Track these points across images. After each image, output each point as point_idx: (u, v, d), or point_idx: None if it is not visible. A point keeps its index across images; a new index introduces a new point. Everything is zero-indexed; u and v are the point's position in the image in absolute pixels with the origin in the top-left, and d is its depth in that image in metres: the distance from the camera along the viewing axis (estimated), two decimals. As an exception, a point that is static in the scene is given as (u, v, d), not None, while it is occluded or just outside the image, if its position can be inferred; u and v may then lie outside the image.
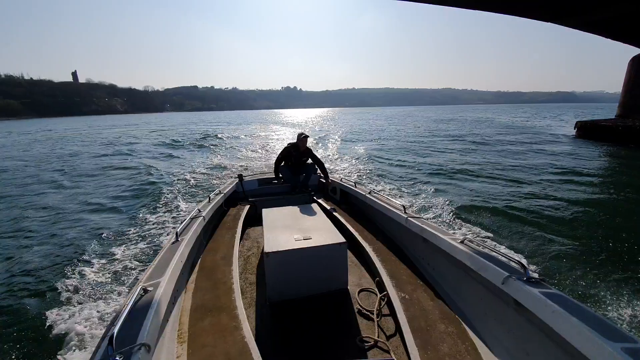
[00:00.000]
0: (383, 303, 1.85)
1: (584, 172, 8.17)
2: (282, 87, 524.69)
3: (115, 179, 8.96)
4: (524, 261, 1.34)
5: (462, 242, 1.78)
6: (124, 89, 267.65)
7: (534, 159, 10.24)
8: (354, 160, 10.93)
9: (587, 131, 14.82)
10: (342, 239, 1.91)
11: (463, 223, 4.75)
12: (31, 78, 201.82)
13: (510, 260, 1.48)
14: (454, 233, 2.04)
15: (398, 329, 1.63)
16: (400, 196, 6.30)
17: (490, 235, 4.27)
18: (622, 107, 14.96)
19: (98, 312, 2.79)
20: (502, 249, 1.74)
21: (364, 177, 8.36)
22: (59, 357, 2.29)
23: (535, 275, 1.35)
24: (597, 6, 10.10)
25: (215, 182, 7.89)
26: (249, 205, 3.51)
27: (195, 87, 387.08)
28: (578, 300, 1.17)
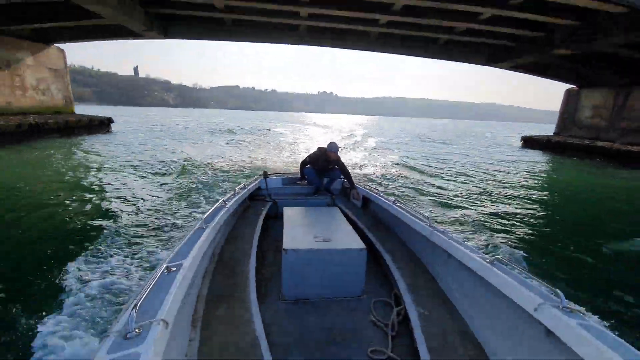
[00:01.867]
0: (400, 317, 1.79)
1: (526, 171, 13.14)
2: (317, 92, 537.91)
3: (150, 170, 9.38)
4: (559, 289, 1.24)
5: (491, 262, 1.63)
6: (175, 85, 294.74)
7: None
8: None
9: (527, 143, 19.54)
10: (362, 245, 1.93)
11: (491, 243, 4.56)
12: (99, 70, 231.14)
13: (545, 286, 1.37)
14: (482, 252, 1.87)
15: (413, 347, 1.55)
16: (426, 209, 6.20)
17: (522, 258, 4.07)
18: (558, 127, 19.35)
19: (122, 285, 2.93)
20: (536, 274, 1.53)
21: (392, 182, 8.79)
22: (83, 323, 2.37)
23: (572, 304, 1.24)
24: (517, 55, 15.11)
25: (241, 177, 8.31)
26: (271, 203, 3.58)
27: (237, 86, 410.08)
28: (618, 335, 1.08)
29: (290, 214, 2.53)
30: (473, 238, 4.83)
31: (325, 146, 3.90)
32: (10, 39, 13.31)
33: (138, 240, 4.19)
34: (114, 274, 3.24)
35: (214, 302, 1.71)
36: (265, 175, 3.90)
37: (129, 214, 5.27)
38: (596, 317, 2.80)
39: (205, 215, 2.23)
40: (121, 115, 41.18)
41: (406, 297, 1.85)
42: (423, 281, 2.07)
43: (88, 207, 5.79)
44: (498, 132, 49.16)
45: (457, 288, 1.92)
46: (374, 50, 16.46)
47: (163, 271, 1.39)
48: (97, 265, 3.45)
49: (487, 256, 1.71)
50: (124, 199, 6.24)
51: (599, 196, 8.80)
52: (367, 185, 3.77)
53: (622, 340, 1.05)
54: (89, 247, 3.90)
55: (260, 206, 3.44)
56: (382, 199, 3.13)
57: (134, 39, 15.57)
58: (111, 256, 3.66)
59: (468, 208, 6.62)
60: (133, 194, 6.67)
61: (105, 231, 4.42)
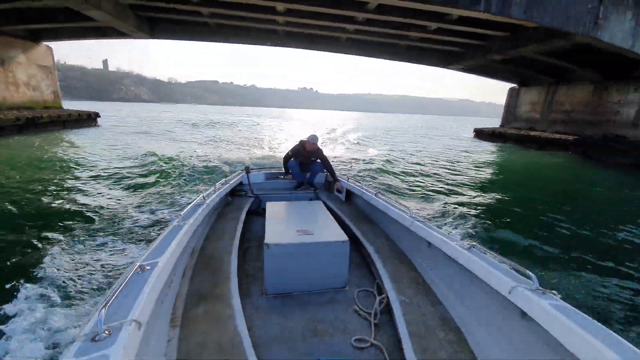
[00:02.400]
0: (382, 305, 1.83)
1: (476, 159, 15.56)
2: (298, 88, 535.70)
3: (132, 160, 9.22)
4: (533, 272, 1.31)
5: (468, 248, 1.71)
6: (149, 79, 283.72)
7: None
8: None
9: (478, 134, 22.56)
10: (344, 237, 1.94)
11: (471, 230, 4.67)
12: (65, 62, 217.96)
13: (518, 270, 1.44)
14: (461, 240, 1.93)
15: (395, 333, 1.61)
16: (407, 200, 6.35)
17: (500, 244, 4.16)
18: (503, 120, 22.49)
19: (93, 289, 2.69)
20: (512, 258, 1.58)
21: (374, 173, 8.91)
22: (49, 330, 2.17)
23: (544, 287, 1.30)
24: (463, 59, 17.67)
25: (222, 172, 8.03)
26: (253, 198, 3.56)
27: (216, 81, 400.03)
28: (589, 315, 1.14)
29: (273, 208, 2.51)
30: (425, 209, 5.70)
31: (306, 139, 3.97)
32: (2, 37, 14.11)
33: (113, 234, 3.98)
34: (84, 270, 3.03)
35: (195, 300, 1.68)
36: (247, 170, 3.87)
37: (107, 206, 5.15)
38: (568, 298, 2.77)
39: (184, 212, 2.20)
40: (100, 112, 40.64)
41: (388, 286, 1.89)
42: (404, 270, 2.11)
43: (71, 194, 5.93)
44: (463, 126, 53.05)
45: (437, 275, 2.00)
46: (344, 53, 18.50)
47: (136, 270, 1.35)
48: (69, 256, 3.29)
49: (465, 243, 1.78)
50: (106, 188, 6.37)
51: (529, 173, 11.41)
52: (350, 178, 3.80)
53: (591, 319, 1.11)
54: (67, 233, 3.89)
55: (242, 202, 3.40)
56: (365, 191, 3.18)
57: (121, 38, 16.65)
58: (84, 248, 3.49)
59: (420, 186, 8.01)
60: (113, 183, 6.79)
61: (81, 220, 4.41)
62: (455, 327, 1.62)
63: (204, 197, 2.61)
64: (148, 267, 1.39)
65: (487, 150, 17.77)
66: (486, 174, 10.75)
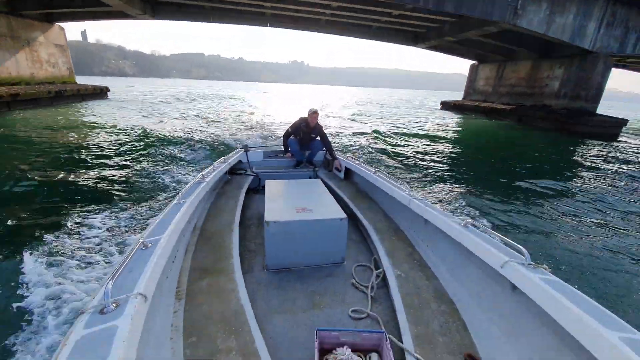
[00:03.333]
0: (378, 279, 1.90)
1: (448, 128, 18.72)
2: (289, 61, 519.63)
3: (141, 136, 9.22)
4: (525, 247, 1.37)
5: (464, 225, 1.78)
6: (131, 52, 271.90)
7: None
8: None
9: (443, 105, 25.92)
10: (343, 215, 1.97)
11: (468, 207, 4.73)
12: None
13: (512, 246, 1.49)
14: (457, 217, 2.01)
15: (391, 305, 1.69)
16: (405, 180, 6.32)
17: (496, 221, 4.26)
18: (464, 93, 25.78)
19: (97, 266, 2.76)
20: (506, 235, 1.58)
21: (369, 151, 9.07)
22: (57, 308, 2.24)
23: (536, 262, 1.35)
24: (427, 39, 20.47)
25: (221, 150, 7.99)
26: (252, 176, 3.57)
27: (202, 54, 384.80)
28: (578, 289, 1.18)
29: (272, 186, 2.51)
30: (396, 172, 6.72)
31: (306, 115, 3.92)
32: (26, 20, 16.21)
33: (121, 207, 4.14)
34: (90, 244, 3.15)
35: (198, 275, 1.74)
36: (246, 148, 3.90)
37: (117, 178, 5.48)
38: (559, 271, 2.88)
39: (183, 190, 2.24)
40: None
41: (385, 261, 1.96)
42: (401, 246, 2.19)
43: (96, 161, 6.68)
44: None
45: (433, 251, 2.09)
46: (324, 32, 20.99)
47: (139, 246, 1.39)
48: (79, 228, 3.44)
49: (461, 220, 1.85)
50: (120, 156, 7.09)
51: (476, 135, 14.82)
52: (348, 156, 3.80)
53: (581, 293, 1.16)
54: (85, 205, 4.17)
55: (242, 180, 3.43)
56: (364, 169, 3.21)
57: (126, 19, 18.78)
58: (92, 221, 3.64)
59: (395, 147, 10.02)
60: (125, 151, 7.55)
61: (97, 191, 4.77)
62: (448, 300, 1.68)
63: (203, 176, 2.64)
64: (150, 244, 1.43)
65: (448, 119, 21.17)
66: (442, 135, 14.16)
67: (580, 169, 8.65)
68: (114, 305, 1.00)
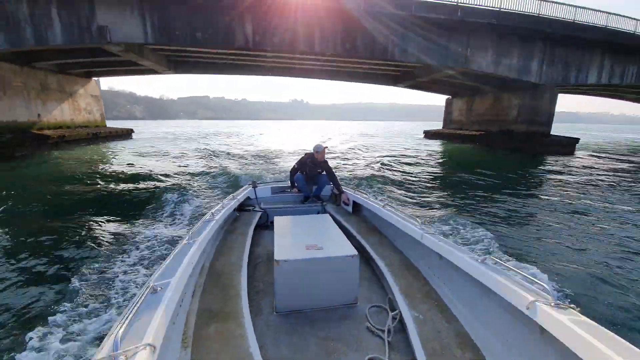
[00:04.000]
0: (395, 322, 1.80)
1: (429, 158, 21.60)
2: (289, 100, 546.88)
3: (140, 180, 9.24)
4: (549, 285, 1.31)
5: (482, 261, 1.70)
6: (141, 97, 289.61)
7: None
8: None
9: (426, 134, 29.03)
10: (353, 251, 1.91)
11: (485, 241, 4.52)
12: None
13: (535, 283, 1.42)
14: (473, 252, 1.95)
15: (410, 351, 1.58)
16: (415, 213, 6.07)
17: (514, 255, 4.06)
18: (443, 123, 29.01)
19: (106, 311, 2.71)
20: (527, 271, 1.71)
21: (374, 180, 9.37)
22: (63, 356, 2.19)
23: (562, 302, 1.29)
24: (404, 80, 24.07)
25: (229, 188, 8.07)
26: (260, 212, 3.59)
27: (207, 97, 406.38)
28: (610, 330, 1.12)
29: (281, 223, 2.49)
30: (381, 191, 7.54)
31: (312, 150, 4.06)
32: (71, 76, 19.93)
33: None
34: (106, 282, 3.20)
35: (205, 319, 1.70)
36: (254, 184, 4.00)
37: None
38: (587, 312, 2.57)
39: (193, 229, 2.23)
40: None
41: (400, 302, 1.88)
42: (416, 284, 2.09)
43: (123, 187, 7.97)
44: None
45: (450, 289, 1.97)
46: (317, 78, 24.79)
47: (149, 291, 1.37)
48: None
49: (477, 256, 1.77)
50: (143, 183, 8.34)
51: (452, 157, 17.45)
52: (356, 190, 3.85)
53: (613, 334, 1.09)
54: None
55: (250, 216, 3.44)
56: (372, 202, 3.20)
57: (151, 74, 22.62)
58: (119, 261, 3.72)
59: (384, 171, 11.40)
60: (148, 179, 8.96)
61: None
62: (472, 344, 1.58)
63: (212, 214, 2.69)
64: (160, 288, 1.41)
65: (429, 145, 24.06)
66: (423, 158, 16.80)
67: (547, 178, 10.77)
68: (123, 357, 0.99)
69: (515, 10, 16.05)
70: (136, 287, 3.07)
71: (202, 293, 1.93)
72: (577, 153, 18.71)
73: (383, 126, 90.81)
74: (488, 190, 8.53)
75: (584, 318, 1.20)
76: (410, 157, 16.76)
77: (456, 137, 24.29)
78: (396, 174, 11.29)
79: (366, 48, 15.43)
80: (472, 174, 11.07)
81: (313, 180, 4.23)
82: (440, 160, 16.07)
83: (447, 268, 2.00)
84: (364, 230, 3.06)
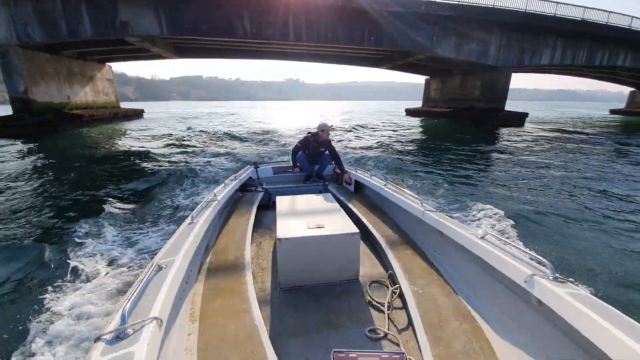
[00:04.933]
0: (395, 296, 1.85)
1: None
2: (284, 79, 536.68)
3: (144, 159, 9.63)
4: (548, 260, 1.34)
5: (482, 237, 1.75)
6: (133, 77, 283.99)
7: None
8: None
9: (407, 112, 32.29)
10: (355, 229, 1.95)
11: (483, 217, 4.51)
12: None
13: (534, 258, 1.45)
14: (474, 228, 1.99)
15: (410, 323, 1.64)
16: (417, 192, 5.93)
17: (514, 231, 4.04)
18: (422, 101, 32.12)
19: (111, 288, 2.72)
20: (527, 246, 1.79)
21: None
22: (70, 331, 2.21)
23: (561, 275, 1.31)
24: (383, 63, 26.88)
25: (231, 168, 8.18)
26: (263, 192, 3.63)
27: (200, 76, 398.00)
28: (608, 303, 1.14)
29: (283, 202, 2.54)
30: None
31: (316, 130, 4.04)
32: (89, 62, 22.60)
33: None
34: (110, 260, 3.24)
35: (211, 295, 1.75)
36: (256, 165, 4.06)
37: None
38: (585, 285, 2.76)
39: (196, 210, 2.27)
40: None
41: (401, 277, 1.93)
42: (417, 260, 2.15)
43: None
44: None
45: (451, 265, 2.03)
46: (308, 61, 27.52)
47: (154, 269, 1.42)
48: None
49: (478, 232, 1.82)
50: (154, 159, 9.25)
51: (426, 130, 20.80)
52: (358, 169, 3.88)
53: (612, 307, 1.10)
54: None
55: (252, 197, 3.49)
56: (374, 182, 3.24)
57: (157, 59, 25.22)
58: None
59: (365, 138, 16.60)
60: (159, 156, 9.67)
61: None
62: (470, 317, 1.62)
63: (215, 194, 2.72)
64: (165, 266, 1.47)
65: (409, 120, 27.39)
66: (402, 131, 20.14)
67: (503, 145, 13.40)
68: (130, 330, 1.01)
69: (472, 3, 18.89)
70: (139, 267, 3.06)
71: (206, 271, 1.99)
72: (527, 125, 22.19)
73: (375, 105, 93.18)
74: (442, 153, 11.12)
75: (582, 292, 1.22)
76: (384, 129, 20.12)
77: (432, 114, 27.55)
78: (371, 142, 14.71)
79: (345, 37, 18.39)
80: (435, 142, 14.39)
81: (315, 160, 4.22)
82: (405, 132, 19.49)
83: (448, 245, 2.05)
84: (366, 209, 3.10)
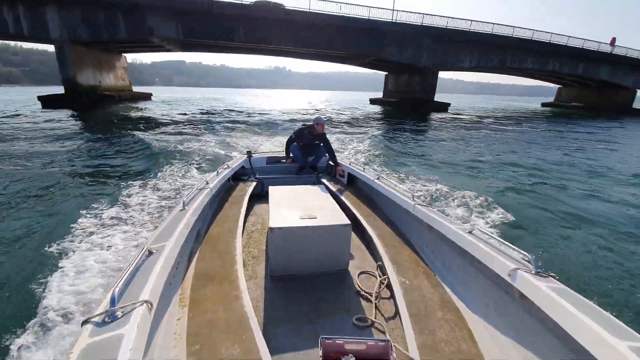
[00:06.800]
0: (383, 286, 1.90)
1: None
2: (271, 67, 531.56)
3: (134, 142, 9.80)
4: (532, 255, 1.40)
5: (470, 232, 1.79)
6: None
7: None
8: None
9: (371, 101, 39.62)
10: (346, 221, 1.99)
11: (476, 214, 4.62)
12: (21, 46, 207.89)
13: (519, 253, 1.50)
14: (462, 223, 2.07)
15: (396, 312, 1.69)
16: (408, 185, 6.33)
17: (503, 227, 4.21)
18: (383, 92, 39.35)
19: (102, 272, 2.75)
20: (512, 242, 1.65)
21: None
22: (61, 315, 2.22)
23: (543, 270, 1.37)
24: (351, 61, 33.68)
25: (223, 156, 8.00)
26: (255, 182, 3.62)
27: (183, 62, 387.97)
28: (586, 297, 1.19)
29: (276, 192, 2.55)
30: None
31: (312, 122, 4.07)
32: (110, 54, 28.13)
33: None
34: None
35: (201, 281, 1.76)
36: (249, 154, 4.01)
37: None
38: (567, 280, 2.85)
39: (187, 196, 2.27)
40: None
41: (389, 268, 1.97)
42: (405, 253, 2.20)
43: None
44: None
45: (438, 258, 2.10)
46: (292, 57, 33.84)
47: (144, 253, 1.43)
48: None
49: (466, 226, 1.90)
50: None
51: (377, 115, 27.76)
52: (351, 161, 3.95)
53: (590, 302, 1.16)
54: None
55: (245, 186, 3.48)
56: (367, 175, 3.30)
57: (165, 52, 30.87)
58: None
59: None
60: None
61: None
62: (454, 308, 1.67)
63: (207, 182, 2.71)
64: (155, 251, 1.48)
65: (370, 109, 34.38)
66: (359, 116, 27.00)
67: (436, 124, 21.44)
68: (120, 312, 1.02)
69: (406, 21, 25.99)
70: (130, 252, 3.07)
71: (197, 258, 2.00)
72: (450, 111, 29.90)
73: (355, 95, 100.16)
74: (388, 130, 18.80)
75: (563, 286, 1.27)
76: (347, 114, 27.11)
77: (388, 103, 34.77)
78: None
79: (316, 43, 25.09)
80: (389, 122, 21.48)
81: (309, 152, 4.26)
82: (361, 117, 26.54)
83: (436, 238, 2.11)
84: (358, 201, 3.13)
